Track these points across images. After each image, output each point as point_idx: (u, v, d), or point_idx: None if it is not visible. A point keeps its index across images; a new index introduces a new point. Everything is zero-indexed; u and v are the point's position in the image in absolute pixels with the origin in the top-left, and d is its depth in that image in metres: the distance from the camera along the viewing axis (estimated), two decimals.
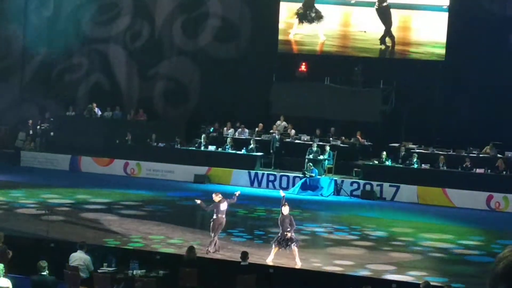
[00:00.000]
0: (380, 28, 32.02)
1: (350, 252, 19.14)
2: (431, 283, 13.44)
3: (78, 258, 14.66)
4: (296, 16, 32.89)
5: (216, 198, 18.01)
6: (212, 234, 17.74)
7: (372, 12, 31.97)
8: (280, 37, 33.38)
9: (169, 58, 35.69)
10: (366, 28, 32.29)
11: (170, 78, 35.52)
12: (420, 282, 13.59)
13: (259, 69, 33.69)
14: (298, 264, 16.93)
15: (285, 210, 17.26)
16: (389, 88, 31.58)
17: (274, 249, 17.20)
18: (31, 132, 34.40)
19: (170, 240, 19.16)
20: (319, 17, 32.57)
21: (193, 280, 14.79)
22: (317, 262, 17.55)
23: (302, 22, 32.85)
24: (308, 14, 32.67)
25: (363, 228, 22.43)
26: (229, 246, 18.63)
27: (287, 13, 33.35)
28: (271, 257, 17.11)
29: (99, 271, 14.68)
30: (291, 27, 33.17)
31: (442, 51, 31.37)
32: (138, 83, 36.10)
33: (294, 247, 17.11)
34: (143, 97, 35.73)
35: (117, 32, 36.14)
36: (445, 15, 31.08)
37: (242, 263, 15.13)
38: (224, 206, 17.97)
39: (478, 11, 31.03)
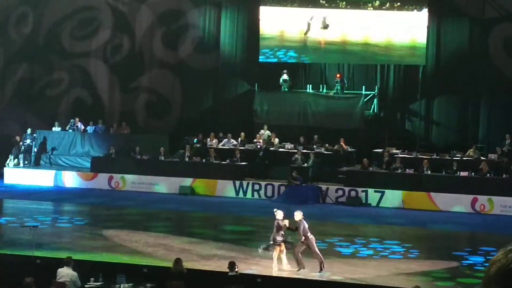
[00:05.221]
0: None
1: (337, 260, 19.15)
2: None
3: (65, 274, 14.57)
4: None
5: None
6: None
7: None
8: None
9: (150, 71, 35.62)
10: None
11: (152, 91, 35.45)
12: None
13: (241, 79, 33.74)
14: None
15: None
16: (371, 94, 31.67)
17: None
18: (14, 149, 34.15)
19: (158, 253, 19.10)
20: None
21: None
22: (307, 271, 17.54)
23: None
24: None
25: (352, 236, 22.45)
26: (217, 256, 18.57)
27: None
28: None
29: (86, 286, 14.61)
30: None
31: (423, 55, 31.49)
32: (120, 96, 35.97)
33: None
34: (125, 110, 35.62)
35: (97, 46, 36.02)
36: (425, 19, 31.18)
37: (230, 273, 15.10)
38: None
39: (457, 15, 31.25)
